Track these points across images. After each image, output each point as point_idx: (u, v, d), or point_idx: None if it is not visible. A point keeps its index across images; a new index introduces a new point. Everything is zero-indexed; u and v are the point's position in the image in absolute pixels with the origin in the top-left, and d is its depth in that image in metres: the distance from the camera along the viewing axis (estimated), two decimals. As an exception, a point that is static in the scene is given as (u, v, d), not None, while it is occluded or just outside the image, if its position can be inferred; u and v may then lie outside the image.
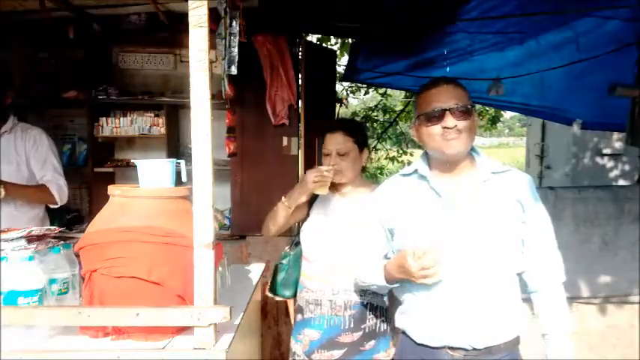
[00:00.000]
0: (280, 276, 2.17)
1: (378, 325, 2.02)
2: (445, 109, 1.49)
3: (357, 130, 2.12)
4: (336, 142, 2.04)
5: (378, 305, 2.03)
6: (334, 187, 2.09)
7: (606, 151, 7.21)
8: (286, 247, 2.22)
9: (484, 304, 1.52)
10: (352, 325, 1.99)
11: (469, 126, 1.52)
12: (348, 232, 2.00)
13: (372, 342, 2.00)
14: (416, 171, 1.63)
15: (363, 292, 1.99)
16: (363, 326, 1.99)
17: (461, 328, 1.51)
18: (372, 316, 2.01)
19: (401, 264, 1.48)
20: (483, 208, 1.53)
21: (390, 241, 1.68)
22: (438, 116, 1.50)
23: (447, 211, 1.53)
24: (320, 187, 1.95)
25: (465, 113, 1.51)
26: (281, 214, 2.05)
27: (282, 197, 2.05)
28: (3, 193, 2.36)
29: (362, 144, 2.10)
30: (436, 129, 1.51)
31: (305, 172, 2.00)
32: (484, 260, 1.50)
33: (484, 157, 1.62)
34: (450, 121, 1.49)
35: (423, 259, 1.42)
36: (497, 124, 9.88)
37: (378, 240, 1.71)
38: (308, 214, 2.13)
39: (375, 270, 1.65)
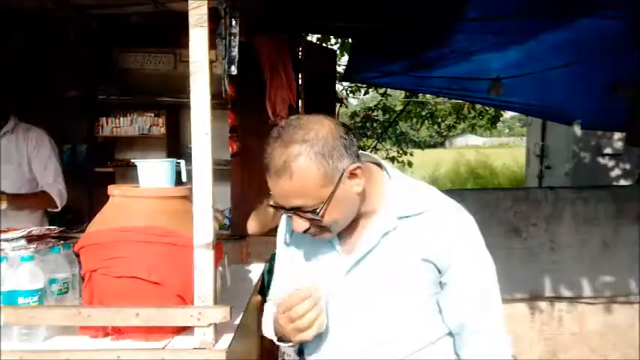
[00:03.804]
0: (269, 277, 2.17)
1: None
2: (287, 209, 1.08)
3: None
4: None
5: None
6: None
7: (606, 150, 7.21)
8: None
9: None
10: None
11: (332, 219, 1.08)
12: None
13: None
14: None
15: None
16: None
17: None
18: None
19: (276, 315, 1.16)
20: (382, 268, 1.13)
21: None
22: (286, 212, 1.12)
23: (338, 266, 1.16)
24: None
25: (317, 213, 1.05)
26: (266, 212, 2.07)
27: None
28: (4, 205, 2.38)
29: None
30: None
31: None
32: (381, 338, 1.13)
33: (398, 191, 1.16)
34: (298, 224, 1.09)
35: (293, 304, 1.07)
36: (497, 124, 9.88)
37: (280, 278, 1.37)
38: None
39: (268, 321, 1.30)
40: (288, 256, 1.32)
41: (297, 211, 1.07)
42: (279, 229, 1.37)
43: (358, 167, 1.07)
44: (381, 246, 1.12)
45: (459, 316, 1.15)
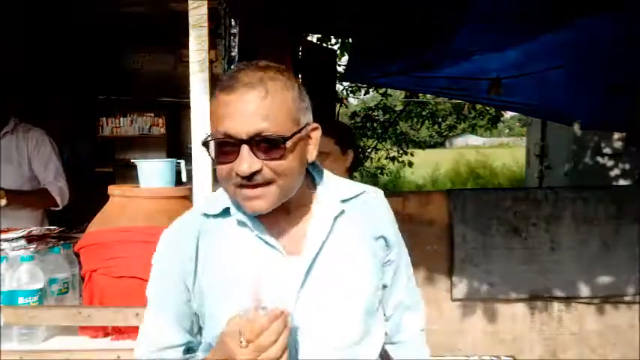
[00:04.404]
0: None
1: None
2: (240, 140, 0.88)
3: (339, 132, 2.12)
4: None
5: None
6: None
7: (606, 150, 7.21)
8: None
9: None
10: None
11: (290, 166, 0.92)
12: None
13: None
14: (227, 211, 1.00)
15: None
16: None
17: None
18: None
19: (225, 347, 0.85)
20: (340, 256, 1.01)
21: (195, 320, 1.03)
22: (227, 151, 0.90)
23: (288, 269, 0.97)
24: None
25: (278, 147, 0.89)
26: None
27: None
28: (4, 201, 2.37)
29: (345, 145, 2.10)
30: (227, 169, 0.91)
31: None
32: (346, 333, 1.01)
33: (328, 178, 1.08)
34: (242, 164, 0.88)
35: (262, 328, 0.82)
36: (498, 124, 9.88)
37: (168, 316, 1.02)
38: None
39: None
40: (190, 277, 0.99)
41: (254, 138, 0.87)
42: (166, 246, 1.03)
43: (318, 129, 0.98)
44: (335, 233, 1.01)
45: (402, 293, 1.15)
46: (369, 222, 1.07)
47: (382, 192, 1.14)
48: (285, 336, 0.83)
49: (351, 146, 2.14)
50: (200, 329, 1.04)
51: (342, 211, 1.03)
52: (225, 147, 0.90)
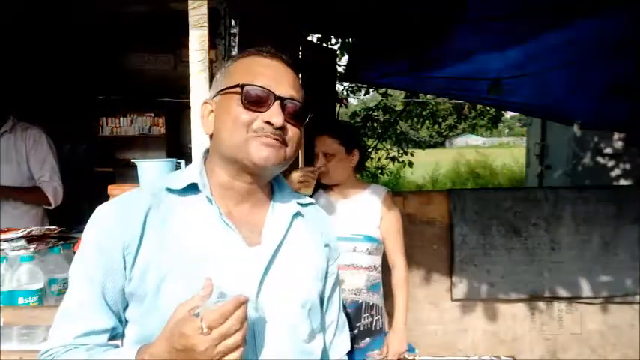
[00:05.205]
0: None
1: (373, 323, 2.05)
2: (276, 96, 0.96)
3: (344, 133, 2.13)
4: (322, 143, 2.08)
5: (374, 304, 2.06)
6: (328, 187, 2.13)
7: (606, 151, 7.21)
8: None
9: None
10: None
11: (298, 138, 1.00)
12: (338, 230, 2.02)
13: (367, 339, 2.03)
14: (194, 187, 0.98)
15: (358, 290, 2.03)
16: (358, 324, 2.02)
17: None
18: (367, 314, 2.04)
19: (180, 333, 0.77)
20: (295, 252, 1.03)
21: (127, 306, 0.95)
22: (260, 100, 0.95)
23: (249, 257, 0.96)
24: (305, 187, 1.97)
25: (302, 116, 1.00)
26: None
27: None
28: None
29: (350, 146, 2.10)
30: (251, 117, 0.95)
31: (291, 173, 2.02)
32: (299, 326, 1.00)
33: (284, 182, 1.12)
34: (276, 116, 0.95)
35: (225, 315, 0.76)
36: (498, 124, 9.88)
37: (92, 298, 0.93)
38: None
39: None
40: (130, 254, 0.91)
41: (288, 98, 0.97)
42: (104, 221, 0.95)
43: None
44: (292, 230, 1.04)
45: (336, 312, 1.15)
46: (319, 228, 1.11)
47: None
48: (246, 324, 0.80)
49: (357, 146, 2.15)
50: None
51: (299, 212, 1.07)
52: (258, 97, 0.96)
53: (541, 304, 3.14)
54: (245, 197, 1.01)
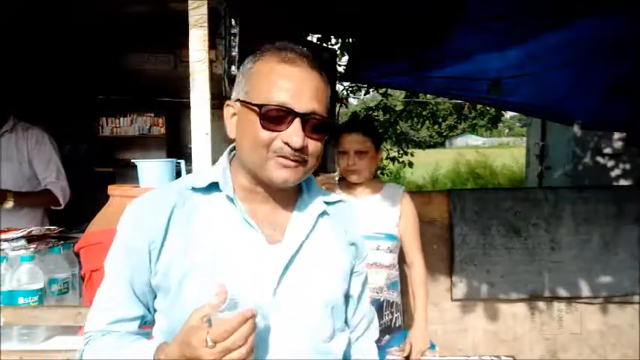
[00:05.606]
0: None
1: (393, 321, 2.07)
2: (296, 114, 0.92)
3: (375, 130, 2.14)
4: (354, 141, 2.04)
5: (394, 301, 2.09)
6: (345, 187, 2.13)
7: (606, 150, 7.21)
8: None
9: None
10: None
11: (320, 150, 0.98)
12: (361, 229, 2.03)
13: (387, 337, 2.05)
14: (214, 186, 0.99)
15: (379, 289, 2.05)
16: (379, 322, 2.04)
17: None
18: (387, 312, 2.06)
19: (188, 343, 0.80)
20: (319, 252, 1.02)
21: (156, 296, 0.99)
22: (280, 119, 0.92)
23: (270, 255, 0.96)
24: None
25: (323, 129, 0.96)
26: None
27: None
28: (11, 203, 2.39)
29: (378, 144, 2.12)
30: (270, 137, 0.93)
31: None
32: (319, 326, 1.00)
33: (312, 180, 1.10)
34: (296, 135, 0.92)
35: (232, 328, 0.78)
36: (498, 124, 9.88)
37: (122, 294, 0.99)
38: None
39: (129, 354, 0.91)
40: (155, 250, 0.94)
41: (308, 115, 0.93)
42: (134, 217, 0.99)
43: None
44: (316, 230, 1.03)
45: (365, 310, 1.16)
46: (345, 227, 1.09)
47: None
48: (252, 338, 0.80)
49: (381, 145, 2.17)
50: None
51: (325, 212, 1.06)
52: (277, 116, 0.92)
53: (541, 304, 3.14)
54: (269, 198, 1.01)
